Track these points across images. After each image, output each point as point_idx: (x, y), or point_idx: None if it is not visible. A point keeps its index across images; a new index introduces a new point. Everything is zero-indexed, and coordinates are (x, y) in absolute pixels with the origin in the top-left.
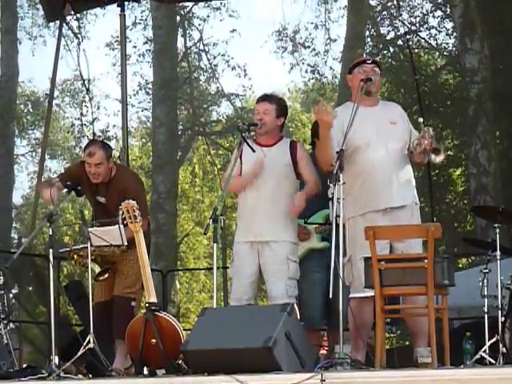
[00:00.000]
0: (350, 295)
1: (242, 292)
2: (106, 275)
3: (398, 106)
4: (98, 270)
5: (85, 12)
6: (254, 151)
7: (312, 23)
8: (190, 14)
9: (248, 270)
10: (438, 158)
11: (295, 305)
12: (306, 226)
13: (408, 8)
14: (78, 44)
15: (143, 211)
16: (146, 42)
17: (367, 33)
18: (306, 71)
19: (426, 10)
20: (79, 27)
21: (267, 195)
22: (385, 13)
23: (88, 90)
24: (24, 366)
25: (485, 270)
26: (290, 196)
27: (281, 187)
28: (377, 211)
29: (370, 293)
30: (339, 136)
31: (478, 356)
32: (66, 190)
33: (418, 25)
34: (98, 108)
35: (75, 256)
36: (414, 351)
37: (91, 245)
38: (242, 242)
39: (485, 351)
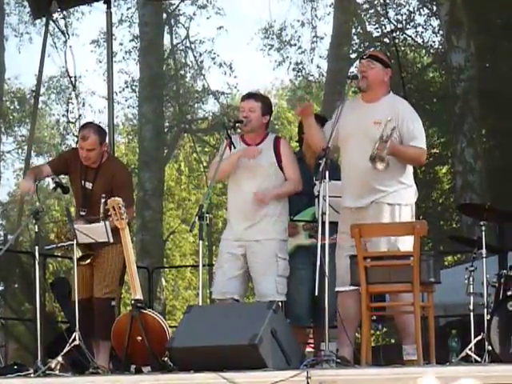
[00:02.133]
0: (336, 288)
1: (225, 286)
2: (88, 260)
3: (404, 105)
4: (79, 253)
5: (71, 9)
6: (234, 147)
7: (298, 21)
8: (177, 12)
9: (232, 264)
10: (382, 165)
11: (280, 302)
12: (294, 223)
13: (394, 6)
14: (65, 41)
15: (129, 200)
16: (132, 40)
17: (354, 30)
18: (293, 69)
19: (413, 8)
20: (66, 24)
21: (253, 193)
22: (371, 10)
23: (74, 87)
24: (10, 363)
25: (470, 268)
26: None
27: (268, 184)
28: (347, 207)
29: (351, 287)
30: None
31: (463, 354)
32: (52, 187)
33: (404, 22)
34: (84, 105)
35: (56, 229)
36: (401, 349)
37: (77, 242)
38: (230, 239)
39: (470, 349)
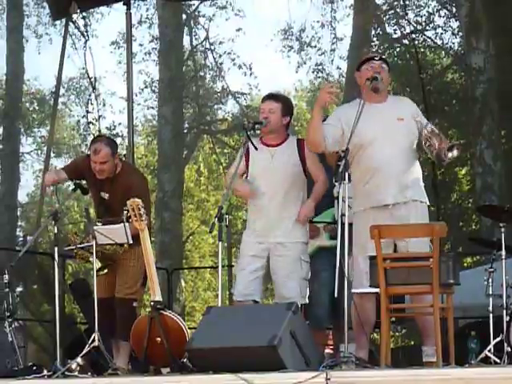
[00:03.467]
0: (352, 290)
1: (246, 288)
2: (105, 270)
3: (409, 100)
4: (98, 264)
5: (91, 10)
6: (256, 149)
7: (318, 22)
8: (196, 13)
9: (253, 266)
10: (455, 153)
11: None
12: (314, 224)
13: (414, 7)
14: (84, 42)
15: (146, 209)
16: (151, 41)
17: (373, 32)
18: (313, 70)
19: (432, 10)
20: (85, 25)
21: (278, 195)
22: (391, 12)
23: (94, 88)
24: (29, 364)
25: (490, 269)
26: (300, 195)
27: (291, 187)
28: (378, 207)
29: (368, 289)
30: (336, 133)
31: (482, 355)
32: (71, 188)
33: (423, 24)
34: (104, 105)
35: (77, 250)
36: (421, 351)
37: (96, 243)
38: (251, 241)
39: (490, 350)
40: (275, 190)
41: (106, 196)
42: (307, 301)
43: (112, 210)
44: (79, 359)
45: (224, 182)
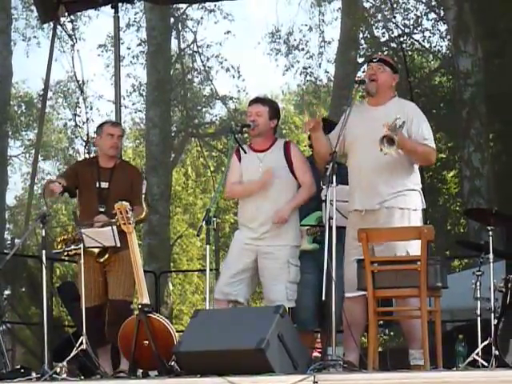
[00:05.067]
0: (345, 294)
1: (228, 287)
2: (106, 255)
3: (410, 107)
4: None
5: (78, 13)
6: (245, 152)
7: (306, 25)
8: (184, 16)
9: (240, 266)
10: (391, 150)
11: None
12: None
13: (402, 10)
14: (72, 45)
15: (146, 200)
16: (139, 44)
17: (361, 35)
18: (300, 73)
19: (420, 13)
20: (73, 29)
21: (267, 199)
22: (379, 15)
23: (82, 91)
24: (16, 367)
25: (478, 273)
26: (289, 196)
27: (280, 190)
28: (356, 210)
29: (358, 292)
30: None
31: (470, 358)
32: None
33: (411, 27)
34: (91, 109)
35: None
36: (408, 353)
37: (84, 246)
38: (242, 242)
39: (477, 354)
40: (265, 192)
41: (105, 185)
42: (294, 304)
43: (110, 201)
44: (65, 362)
45: (216, 187)
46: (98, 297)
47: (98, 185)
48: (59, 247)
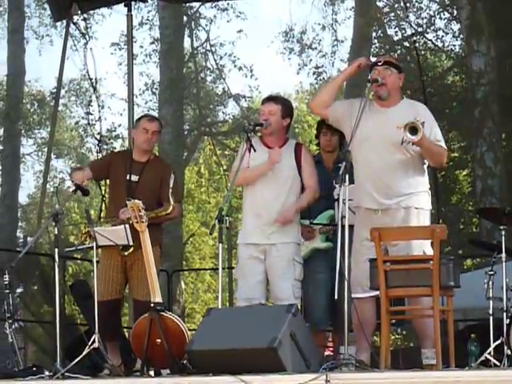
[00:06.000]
0: (353, 295)
1: (250, 291)
2: (131, 249)
3: (421, 109)
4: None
5: (91, 12)
6: (255, 151)
7: (319, 24)
8: (197, 15)
9: (254, 269)
10: (414, 137)
11: (299, 306)
12: (311, 226)
13: (415, 9)
14: (85, 44)
15: (177, 197)
16: (152, 42)
17: (374, 34)
18: (314, 73)
19: (433, 12)
20: (86, 27)
21: (273, 197)
22: (392, 14)
23: (95, 89)
24: (29, 365)
25: (490, 272)
26: (295, 197)
27: (286, 189)
28: (368, 209)
29: (368, 293)
30: (340, 110)
31: (482, 358)
32: (72, 189)
33: (424, 26)
34: (103, 107)
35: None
36: (420, 353)
37: (97, 245)
38: (247, 244)
39: (490, 353)
40: (271, 190)
41: (135, 178)
42: (300, 302)
43: (138, 194)
44: (79, 360)
45: (229, 177)
46: (115, 292)
47: (128, 177)
48: (82, 239)
